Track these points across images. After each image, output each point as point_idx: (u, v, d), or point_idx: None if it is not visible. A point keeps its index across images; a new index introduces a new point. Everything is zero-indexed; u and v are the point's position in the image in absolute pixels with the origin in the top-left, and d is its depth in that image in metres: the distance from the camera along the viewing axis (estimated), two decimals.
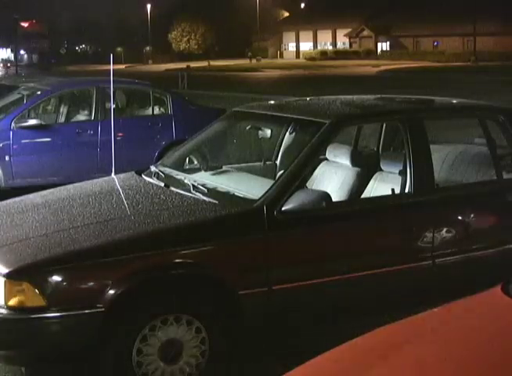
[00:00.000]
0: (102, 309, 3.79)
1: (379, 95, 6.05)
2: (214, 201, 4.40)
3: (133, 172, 5.40)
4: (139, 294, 3.91)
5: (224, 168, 5.54)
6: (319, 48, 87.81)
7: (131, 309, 3.90)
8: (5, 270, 3.81)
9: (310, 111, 5.20)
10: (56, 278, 3.80)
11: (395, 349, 2.58)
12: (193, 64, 55.89)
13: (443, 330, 2.70)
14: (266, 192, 4.29)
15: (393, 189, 4.66)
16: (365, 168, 5.16)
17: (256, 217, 4.19)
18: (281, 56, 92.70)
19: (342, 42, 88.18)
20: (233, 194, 4.49)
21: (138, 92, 10.91)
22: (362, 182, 5.07)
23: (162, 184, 4.92)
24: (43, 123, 9.41)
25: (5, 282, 3.77)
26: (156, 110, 10.31)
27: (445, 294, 3.59)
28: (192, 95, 15.46)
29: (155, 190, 4.85)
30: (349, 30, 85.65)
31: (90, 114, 9.81)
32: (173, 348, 3.98)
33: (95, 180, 5.52)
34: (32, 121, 9.28)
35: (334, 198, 4.49)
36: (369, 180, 5.11)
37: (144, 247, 3.97)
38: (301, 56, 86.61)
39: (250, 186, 4.67)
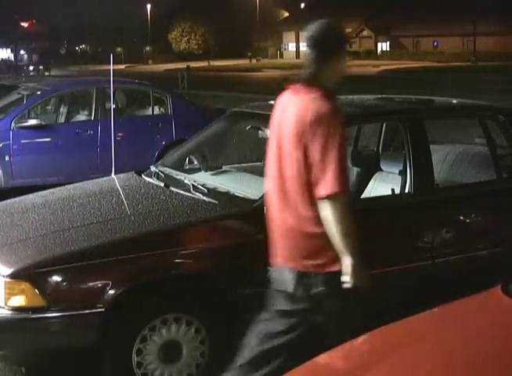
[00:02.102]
0: (102, 309, 3.79)
1: (379, 95, 6.04)
2: (214, 201, 4.40)
3: (133, 172, 5.40)
4: (139, 294, 3.91)
5: (224, 168, 5.54)
6: None
7: (131, 309, 3.90)
8: (5, 270, 3.82)
9: None
10: (56, 278, 3.80)
11: (395, 349, 2.58)
12: (193, 64, 55.73)
13: (443, 330, 2.70)
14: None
15: (393, 189, 4.66)
16: (365, 168, 5.16)
17: (256, 217, 4.18)
18: (281, 56, 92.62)
19: None
20: (233, 194, 4.49)
21: (138, 92, 10.91)
22: (362, 182, 5.07)
23: (162, 184, 4.92)
24: (43, 123, 9.41)
25: (5, 282, 3.77)
26: (156, 110, 10.31)
27: (445, 294, 3.57)
28: (192, 95, 15.44)
29: (155, 190, 4.85)
30: (349, 30, 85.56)
31: (90, 114, 9.81)
32: (173, 348, 3.99)
33: (95, 180, 5.52)
34: (32, 121, 9.28)
35: None
36: (369, 180, 5.11)
37: (144, 247, 3.96)
38: (301, 56, 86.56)
39: (250, 186, 4.67)
